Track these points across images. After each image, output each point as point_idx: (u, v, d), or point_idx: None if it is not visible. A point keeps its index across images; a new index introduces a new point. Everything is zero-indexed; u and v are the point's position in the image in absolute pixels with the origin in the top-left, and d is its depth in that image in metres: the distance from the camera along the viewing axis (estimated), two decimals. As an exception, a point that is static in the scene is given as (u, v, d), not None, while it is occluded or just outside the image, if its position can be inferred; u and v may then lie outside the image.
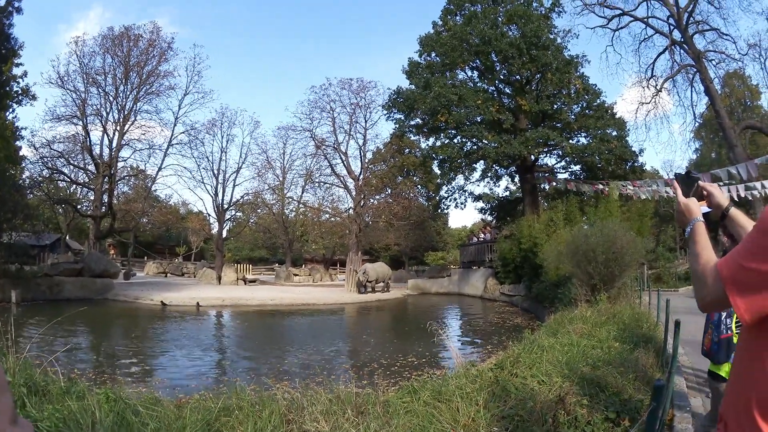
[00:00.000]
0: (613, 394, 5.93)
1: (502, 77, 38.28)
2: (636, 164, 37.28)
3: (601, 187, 26.19)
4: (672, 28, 33.99)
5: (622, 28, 36.83)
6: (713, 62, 33.74)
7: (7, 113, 35.91)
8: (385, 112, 43.51)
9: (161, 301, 28.82)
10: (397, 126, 42.86)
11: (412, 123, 41.47)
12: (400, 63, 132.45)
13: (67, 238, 57.06)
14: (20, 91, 35.07)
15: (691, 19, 32.87)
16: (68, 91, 42.70)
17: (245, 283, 45.40)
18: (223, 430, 4.92)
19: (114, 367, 13.39)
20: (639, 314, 12.59)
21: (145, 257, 66.06)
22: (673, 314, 8.50)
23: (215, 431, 4.94)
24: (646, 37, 36.16)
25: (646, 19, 35.35)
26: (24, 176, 42.01)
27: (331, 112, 50.82)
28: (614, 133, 35.72)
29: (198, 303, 28.66)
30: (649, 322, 11.67)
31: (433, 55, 39.58)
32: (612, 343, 8.90)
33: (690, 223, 2.15)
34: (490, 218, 48.19)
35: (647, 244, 21.20)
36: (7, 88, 31.80)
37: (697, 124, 38.76)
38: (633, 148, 36.73)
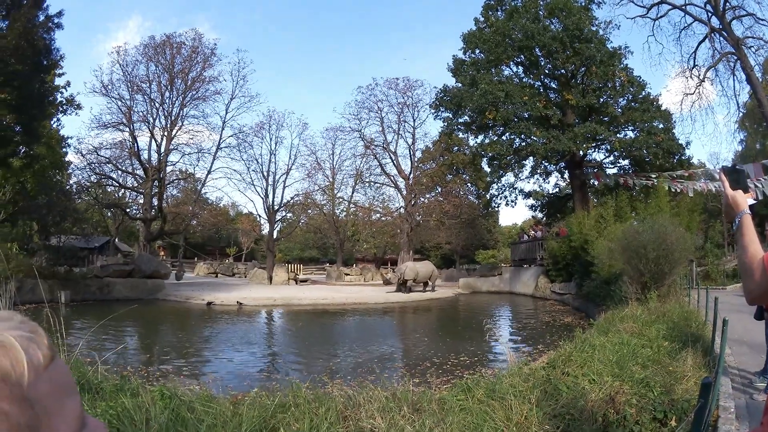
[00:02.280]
0: (661, 394, 5.97)
1: (547, 72, 38.04)
2: (683, 157, 36.73)
3: (653, 177, 25.87)
4: (710, 14, 32.99)
5: (661, 17, 35.94)
6: (752, 49, 32.68)
7: (52, 122, 36.90)
8: (432, 111, 43.57)
9: (207, 302, 29.05)
10: (446, 124, 42.86)
11: (460, 121, 41.39)
12: (443, 60, 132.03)
13: (117, 240, 58.04)
14: (64, 101, 35.97)
15: (728, 4, 31.91)
16: (113, 99, 43.38)
17: (296, 283, 45.66)
18: (279, 426, 4.93)
19: (166, 366, 13.53)
20: (688, 313, 12.57)
21: (196, 258, 66.86)
22: (720, 313, 8.50)
23: (272, 428, 4.96)
24: (686, 25, 35.10)
25: (684, 7, 34.44)
26: (71, 182, 43.00)
27: (379, 111, 51.22)
28: (660, 126, 35.20)
29: (239, 302, 28.84)
30: (697, 321, 11.62)
31: (477, 51, 39.42)
32: (661, 342, 8.90)
33: (737, 215, 2.16)
34: (540, 215, 47.91)
35: (696, 241, 20.90)
36: (51, 98, 32.67)
37: (740, 114, 37.75)
38: (679, 141, 36.25)
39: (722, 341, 6.00)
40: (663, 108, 36.86)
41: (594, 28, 35.76)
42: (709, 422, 5.19)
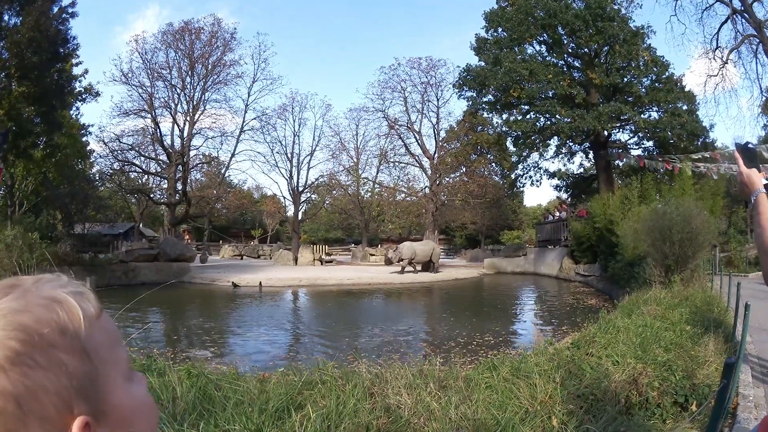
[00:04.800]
0: (683, 378, 6.00)
1: (570, 51, 37.88)
2: (707, 140, 36.50)
3: (675, 163, 25.68)
4: (732, -5, 32.51)
5: (683, -4, 35.61)
6: None
7: (71, 111, 37.23)
8: (456, 90, 43.43)
9: (232, 282, 29.26)
10: (470, 103, 42.85)
11: (484, 100, 41.35)
12: (465, 40, 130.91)
13: (141, 225, 58.46)
14: (82, 90, 36.29)
15: (749, -15, 31.32)
16: (134, 87, 43.25)
17: (322, 264, 45.80)
18: (306, 403, 4.93)
19: (192, 346, 13.71)
20: (710, 298, 12.57)
21: (221, 241, 67.21)
22: (742, 300, 8.53)
23: (298, 405, 4.96)
24: (708, 5, 34.30)
25: (705, -14, 34.00)
26: (94, 170, 43.73)
27: (402, 91, 51.03)
28: (684, 107, 34.96)
29: (261, 283, 29.00)
30: (719, 307, 11.62)
31: (500, 30, 39.27)
32: (684, 326, 8.93)
33: (753, 194, 2.10)
34: (565, 196, 47.76)
35: (720, 225, 20.75)
36: (69, 88, 32.96)
37: (764, 98, 37.17)
38: (703, 123, 36.01)
39: (744, 327, 6.02)
40: (687, 89, 36.61)
41: (616, 7, 35.50)
42: (729, 409, 5.28)
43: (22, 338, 0.69)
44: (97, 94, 37.58)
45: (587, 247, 31.08)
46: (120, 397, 0.78)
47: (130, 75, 42.86)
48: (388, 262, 38.11)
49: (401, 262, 36.21)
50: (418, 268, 37.11)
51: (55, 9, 28.36)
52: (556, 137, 38.32)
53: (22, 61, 26.13)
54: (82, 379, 0.72)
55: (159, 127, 44.15)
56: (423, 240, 42.65)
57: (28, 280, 0.78)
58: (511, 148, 45.11)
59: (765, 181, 2.16)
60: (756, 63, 33.82)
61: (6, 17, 26.88)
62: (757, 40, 31.84)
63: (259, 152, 61.30)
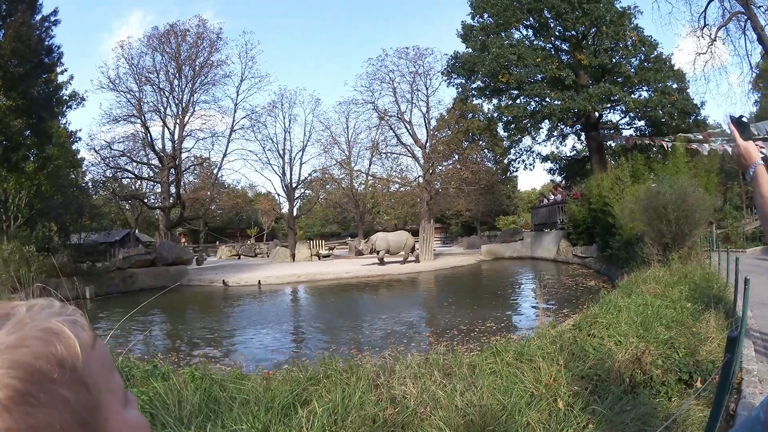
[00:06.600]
0: (686, 355, 6.02)
1: (557, 34, 37.84)
2: (699, 117, 36.50)
3: (665, 142, 25.65)
4: (717, -28, 32.39)
5: (669, -26, 35.48)
6: (762, 9, 31.45)
7: (60, 119, 37.04)
8: (445, 78, 43.47)
9: (223, 281, 29.52)
10: (460, 90, 42.82)
11: (474, 86, 41.37)
12: (450, 28, 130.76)
13: (137, 231, 58.31)
14: (68, 97, 36.07)
15: (734, -38, 31.18)
16: (122, 92, 43.26)
17: (319, 259, 46.01)
18: (312, 398, 4.98)
19: (194, 349, 13.63)
20: (709, 274, 12.60)
21: (217, 242, 67.16)
22: (741, 275, 8.54)
23: (305, 400, 4.99)
24: None
25: (691, -36, 33.91)
26: (86, 179, 43.45)
27: (391, 82, 50.62)
28: (674, 86, 35.01)
29: (259, 281, 29.16)
30: (719, 283, 11.63)
31: (486, 16, 39.24)
32: (684, 303, 8.93)
33: (751, 166, 2.11)
34: (559, 179, 47.81)
35: (715, 202, 20.77)
36: (57, 97, 32.78)
37: (754, 74, 36.99)
38: (694, 101, 36.01)
39: (744, 301, 6.02)
40: (676, 68, 36.65)
41: (602, -13, 35.45)
42: (734, 384, 5.28)
43: (22, 376, 0.66)
44: (83, 99, 37.27)
45: (584, 229, 31.11)
46: (119, 423, 0.77)
47: (117, 81, 42.86)
48: (359, 254, 38.02)
49: (380, 254, 36.22)
50: (393, 258, 37.17)
51: (38, 17, 28.17)
52: (547, 120, 38.35)
53: (6, 72, 25.96)
54: (83, 412, 0.70)
55: (149, 132, 44.02)
56: (398, 231, 42.46)
57: (20, 308, 0.75)
58: (503, 133, 45.29)
59: (762, 154, 2.16)
60: (745, 39, 33.69)
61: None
62: (745, 17, 31.69)
63: (250, 151, 61.70)
